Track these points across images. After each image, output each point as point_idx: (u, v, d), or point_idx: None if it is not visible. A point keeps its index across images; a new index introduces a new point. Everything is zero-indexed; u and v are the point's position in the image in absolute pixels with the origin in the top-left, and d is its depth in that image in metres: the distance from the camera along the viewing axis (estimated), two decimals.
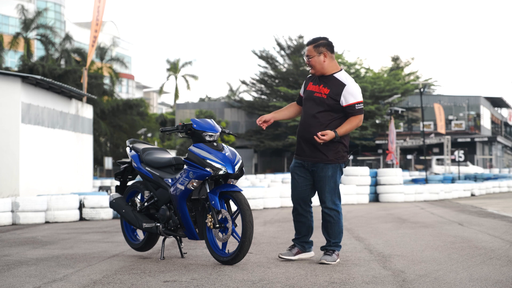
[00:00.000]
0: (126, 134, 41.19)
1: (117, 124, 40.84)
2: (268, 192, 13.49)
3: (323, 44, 5.23)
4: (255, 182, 24.67)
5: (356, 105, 5.10)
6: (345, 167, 5.35)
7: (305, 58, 5.32)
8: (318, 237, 7.01)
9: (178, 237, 5.56)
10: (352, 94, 5.11)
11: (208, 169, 5.04)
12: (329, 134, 5.01)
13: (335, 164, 5.19)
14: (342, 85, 5.14)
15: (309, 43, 5.29)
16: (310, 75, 5.40)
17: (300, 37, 46.79)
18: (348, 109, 5.12)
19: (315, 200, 5.73)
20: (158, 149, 5.87)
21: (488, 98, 56.12)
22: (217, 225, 5.05)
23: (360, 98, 5.13)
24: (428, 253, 5.71)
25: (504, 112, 68.62)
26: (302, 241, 5.40)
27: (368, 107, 42.00)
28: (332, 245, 5.26)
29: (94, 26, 23.34)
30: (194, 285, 4.23)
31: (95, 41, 23.64)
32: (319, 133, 5.02)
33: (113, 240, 7.22)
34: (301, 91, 5.46)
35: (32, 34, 38.07)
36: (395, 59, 54.36)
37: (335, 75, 5.21)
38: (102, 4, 23.20)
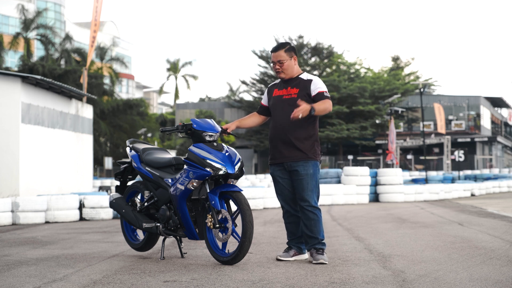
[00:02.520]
0: (126, 134, 41.19)
1: (117, 124, 40.85)
2: (268, 192, 13.49)
3: (292, 49, 5.36)
4: (255, 182, 24.68)
5: (324, 93, 5.25)
6: (320, 166, 5.44)
7: (273, 65, 5.37)
8: None
9: (178, 237, 5.56)
10: (318, 86, 5.27)
11: (208, 169, 5.04)
12: (303, 106, 5.03)
13: (314, 161, 5.28)
14: (309, 81, 5.31)
15: (278, 48, 5.33)
16: (273, 83, 5.54)
17: (300, 37, 46.81)
18: (319, 97, 5.23)
19: None
20: (158, 149, 5.87)
21: (488, 98, 56.11)
22: (217, 225, 5.05)
23: (325, 88, 5.30)
24: (428, 253, 5.71)
25: (504, 112, 68.61)
26: (297, 242, 5.40)
27: (368, 107, 42.01)
28: (321, 242, 5.25)
29: (93, 27, 23.40)
30: (194, 285, 4.23)
31: (94, 41, 23.69)
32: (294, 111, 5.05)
33: (113, 240, 7.23)
34: (264, 101, 5.55)
35: (32, 34, 38.08)
36: (395, 59, 54.36)
37: (300, 76, 5.37)
38: (100, 4, 23.25)
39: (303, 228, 5.30)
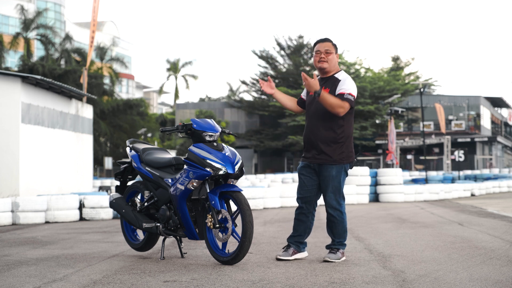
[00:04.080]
0: (126, 134, 41.19)
1: (117, 124, 40.84)
2: (268, 192, 13.49)
3: (336, 45, 5.38)
4: (255, 182, 24.67)
5: (344, 94, 5.15)
6: (351, 168, 5.39)
7: (316, 55, 5.31)
8: (318, 237, 7.02)
9: (178, 237, 5.55)
10: (344, 86, 5.19)
11: (208, 169, 5.04)
12: (313, 81, 5.07)
13: (339, 164, 5.25)
14: (338, 81, 5.26)
15: (326, 40, 5.34)
16: None
17: (300, 37, 46.80)
18: (337, 97, 5.16)
19: (320, 202, 5.75)
20: (158, 149, 5.87)
21: (488, 98, 56.11)
22: (217, 225, 5.04)
23: (350, 90, 5.17)
24: (428, 253, 5.71)
25: (504, 112, 68.61)
26: (297, 240, 5.41)
27: (368, 107, 42.00)
28: (336, 244, 5.32)
29: (91, 27, 23.45)
30: (194, 285, 4.23)
31: (92, 41, 23.72)
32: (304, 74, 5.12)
33: (113, 240, 7.23)
34: (303, 94, 5.56)
35: (32, 34, 38.07)
36: (395, 59, 54.34)
37: (336, 75, 5.33)
38: (97, 4, 23.29)
39: (327, 228, 5.41)
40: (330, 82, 5.27)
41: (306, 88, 5.19)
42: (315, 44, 5.38)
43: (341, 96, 5.14)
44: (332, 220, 5.31)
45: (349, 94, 5.14)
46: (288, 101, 5.59)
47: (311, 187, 5.36)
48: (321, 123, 5.21)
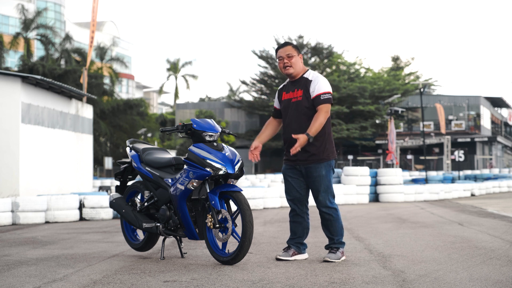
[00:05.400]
0: (126, 134, 41.20)
1: (117, 124, 40.84)
2: (268, 192, 13.49)
3: (297, 46, 5.40)
4: (255, 182, 24.66)
5: (320, 96, 5.18)
6: (335, 165, 5.42)
7: (280, 61, 5.34)
8: (317, 237, 7.02)
9: (178, 237, 5.55)
10: (316, 87, 5.21)
11: (208, 169, 5.04)
12: (300, 139, 5.06)
13: (326, 162, 5.26)
14: (309, 81, 5.28)
15: (285, 44, 5.36)
16: (281, 86, 5.53)
17: (300, 37, 46.79)
18: (315, 102, 5.20)
19: (311, 200, 5.75)
20: (158, 149, 5.87)
21: (488, 98, 56.10)
22: (217, 225, 5.04)
23: (325, 89, 5.20)
24: (428, 253, 5.71)
25: (504, 112, 68.60)
26: (297, 242, 5.41)
27: (368, 107, 41.99)
28: (336, 242, 5.32)
29: (91, 27, 23.45)
30: (194, 285, 4.23)
31: (92, 41, 23.73)
32: (292, 149, 5.07)
33: (113, 240, 7.22)
34: (276, 104, 5.56)
35: (32, 34, 38.07)
36: (395, 59, 54.35)
37: (305, 75, 5.36)
38: (96, 4, 23.31)
39: (323, 228, 5.40)
40: (301, 84, 5.30)
41: (302, 146, 5.10)
42: (276, 50, 5.41)
43: (318, 98, 5.17)
44: (328, 218, 5.31)
45: (325, 93, 5.19)
46: (270, 130, 5.56)
47: (300, 188, 5.37)
48: (300, 124, 5.23)
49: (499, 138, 55.03)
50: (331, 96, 5.23)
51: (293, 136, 5.11)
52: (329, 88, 5.24)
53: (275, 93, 45.28)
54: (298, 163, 5.30)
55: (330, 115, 5.34)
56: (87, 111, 19.36)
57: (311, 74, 5.33)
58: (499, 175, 28.09)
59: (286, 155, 5.42)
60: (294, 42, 46.64)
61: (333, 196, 5.36)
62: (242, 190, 5.16)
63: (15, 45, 36.77)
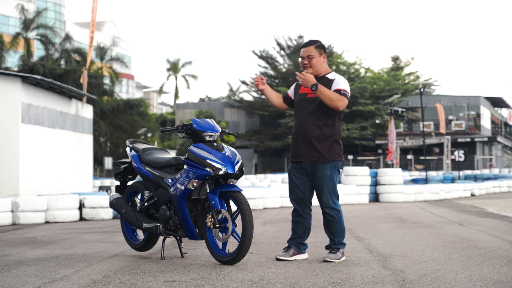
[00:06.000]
0: (126, 134, 41.20)
1: (117, 124, 40.84)
2: (268, 192, 13.49)
3: (322, 46, 5.38)
4: (255, 182, 24.66)
5: (341, 90, 5.20)
6: (342, 167, 5.41)
7: (301, 60, 5.37)
8: (318, 237, 7.02)
9: (178, 237, 5.55)
10: (338, 85, 5.24)
11: (208, 169, 5.04)
12: (309, 75, 5.13)
13: (332, 163, 5.26)
14: (331, 81, 5.29)
15: (308, 44, 5.36)
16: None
17: (300, 37, 46.79)
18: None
19: (314, 201, 5.75)
20: (158, 149, 5.87)
21: (488, 98, 56.09)
22: (217, 225, 5.04)
23: (345, 87, 5.24)
24: (428, 253, 5.71)
25: (504, 112, 68.59)
26: (297, 242, 5.42)
27: (368, 107, 41.99)
28: (336, 243, 5.33)
29: (91, 27, 23.47)
30: (194, 285, 4.23)
31: (92, 41, 23.73)
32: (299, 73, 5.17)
33: (113, 240, 7.22)
34: (290, 92, 5.56)
35: (32, 34, 38.07)
36: (395, 59, 54.33)
37: (327, 75, 5.36)
38: (96, 4, 23.32)
39: (324, 228, 5.41)
40: (322, 82, 5.29)
41: (304, 85, 5.19)
42: (300, 48, 5.42)
43: (338, 91, 5.19)
44: (331, 220, 5.31)
45: (345, 90, 5.21)
46: (275, 97, 5.58)
47: (304, 189, 5.37)
48: (312, 121, 5.24)
49: (499, 138, 55.02)
50: (349, 95, 5.24)
51: (307, 70, 5.19)
52: (348, 89, 5.26)
53: None
54: (304, 160, 5.29)
55: (341, 119, 5.38)
56: (87, 111, 19.36)
57: (333, 75, 5.33)
58: (499, 175, 28.09)
59: (291, 154, 5.43)
60: (294, 42, 46.64)
61: (337, 197, 5.36)
62: (242, 190, 5.17)
63: (15, 45, 36.77)
